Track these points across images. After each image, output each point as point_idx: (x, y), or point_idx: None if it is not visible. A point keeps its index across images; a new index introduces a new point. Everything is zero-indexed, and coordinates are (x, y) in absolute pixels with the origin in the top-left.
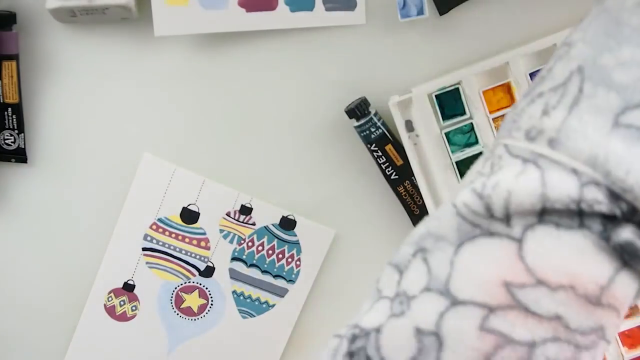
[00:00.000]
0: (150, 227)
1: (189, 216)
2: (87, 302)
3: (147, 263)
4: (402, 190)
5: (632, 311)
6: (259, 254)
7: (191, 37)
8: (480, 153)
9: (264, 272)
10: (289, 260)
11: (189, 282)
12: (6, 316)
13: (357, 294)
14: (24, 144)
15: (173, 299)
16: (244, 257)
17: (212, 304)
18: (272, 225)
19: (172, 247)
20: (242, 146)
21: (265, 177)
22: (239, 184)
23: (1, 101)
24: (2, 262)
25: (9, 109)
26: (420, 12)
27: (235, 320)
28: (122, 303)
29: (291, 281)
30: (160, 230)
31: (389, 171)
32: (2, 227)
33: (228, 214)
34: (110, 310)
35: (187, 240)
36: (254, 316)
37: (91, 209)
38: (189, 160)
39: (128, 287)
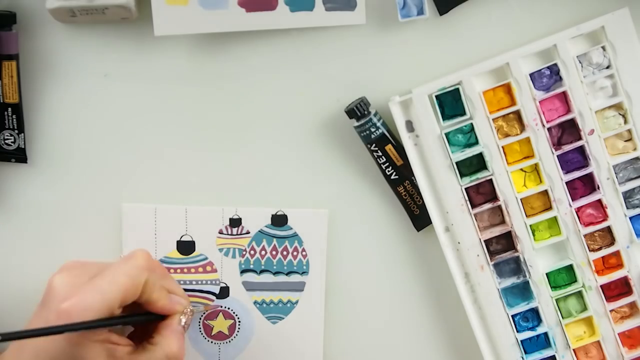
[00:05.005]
0: None
1: (186, 247)
2: None
3: None
4: (402, 190)
5: (632, 311)
6: (265, 258)
7: (191, 37)
8: (480, 153)
9: (276, 273)
10: (294, 253)
11: (210, 308)
12: (5, 316)
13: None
14: (24, 144)
15: (202, 329)
16: (252, 266)
17: (240, 321)
18: (265, 226)
19: (181, 282)
20: (242, 147)
21: (264, 178)
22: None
23: (1, 101)
24: (1, 262)
25: (9, 109)
26: (420, 12)
27: (268, 328)
28: None
29: (304, 272)
30: None
31: (389, 171)
32: (2, 227)
33: (220, 232)
34: None
35: (192, 270)
36: (283, 318)
37: (91, 209)
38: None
39: None
